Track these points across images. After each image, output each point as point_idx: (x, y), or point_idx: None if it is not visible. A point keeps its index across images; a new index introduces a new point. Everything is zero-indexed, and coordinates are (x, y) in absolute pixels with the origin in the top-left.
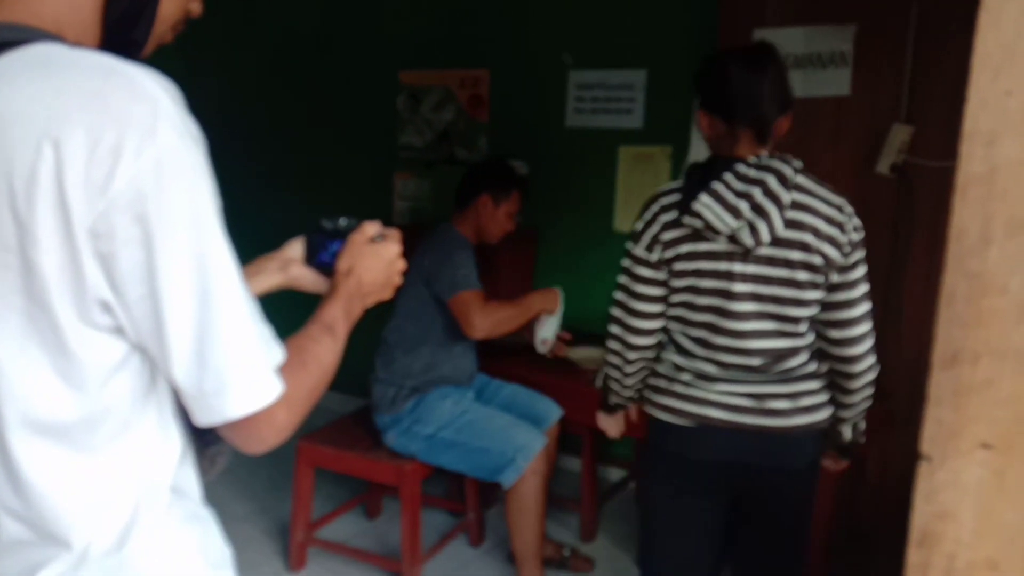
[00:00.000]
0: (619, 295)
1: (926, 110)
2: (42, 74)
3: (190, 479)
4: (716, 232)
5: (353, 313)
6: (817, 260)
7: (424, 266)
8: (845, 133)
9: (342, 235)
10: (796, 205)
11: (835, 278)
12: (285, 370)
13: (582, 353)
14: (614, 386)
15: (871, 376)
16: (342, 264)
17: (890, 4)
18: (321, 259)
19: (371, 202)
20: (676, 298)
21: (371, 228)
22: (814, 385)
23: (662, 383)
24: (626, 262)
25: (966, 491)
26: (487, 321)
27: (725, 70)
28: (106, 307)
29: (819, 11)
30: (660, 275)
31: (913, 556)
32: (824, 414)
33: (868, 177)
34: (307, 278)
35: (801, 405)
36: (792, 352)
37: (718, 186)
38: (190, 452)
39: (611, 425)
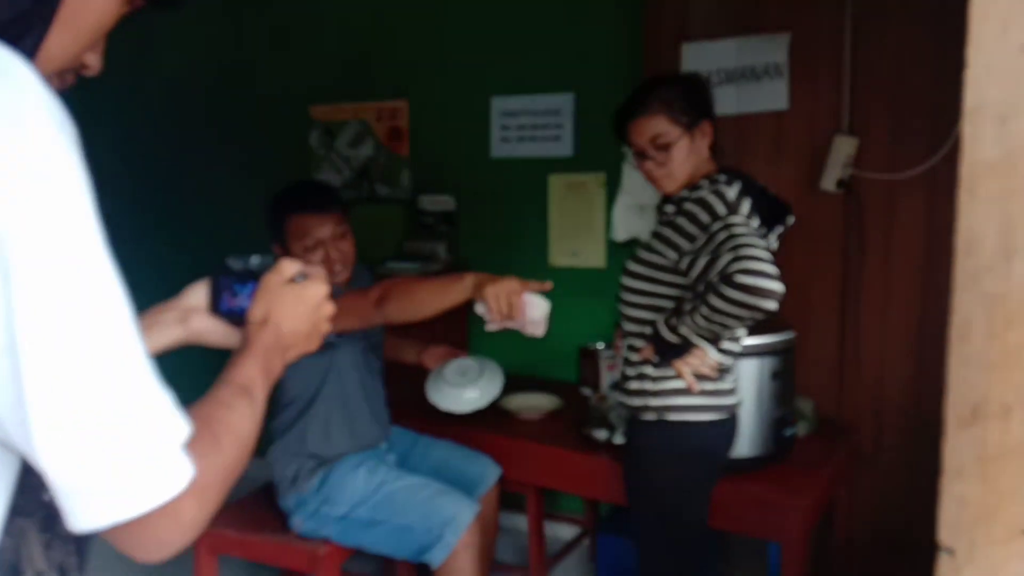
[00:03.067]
0: (756, 247)
1: (870, 119)
2: None
3: None
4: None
5: (273, 370)
6: None
7: None
8: (786, 149)
9: (254, 276)
10: None
11: None
12: (192, 448)
13: (521, 402)
14: (708, 330)
15: None
16: (255, 311)
17: (822, 8)
18: (229, 306)
19: None
20: None
21: (289, 267)
22: None
23: (707, 385)
24: (743, 227)
25: None
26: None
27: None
28: None
29: (748, 21)
30: None
31: None
32: None
33: (813, 194)
34: (213, 330)
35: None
36: None
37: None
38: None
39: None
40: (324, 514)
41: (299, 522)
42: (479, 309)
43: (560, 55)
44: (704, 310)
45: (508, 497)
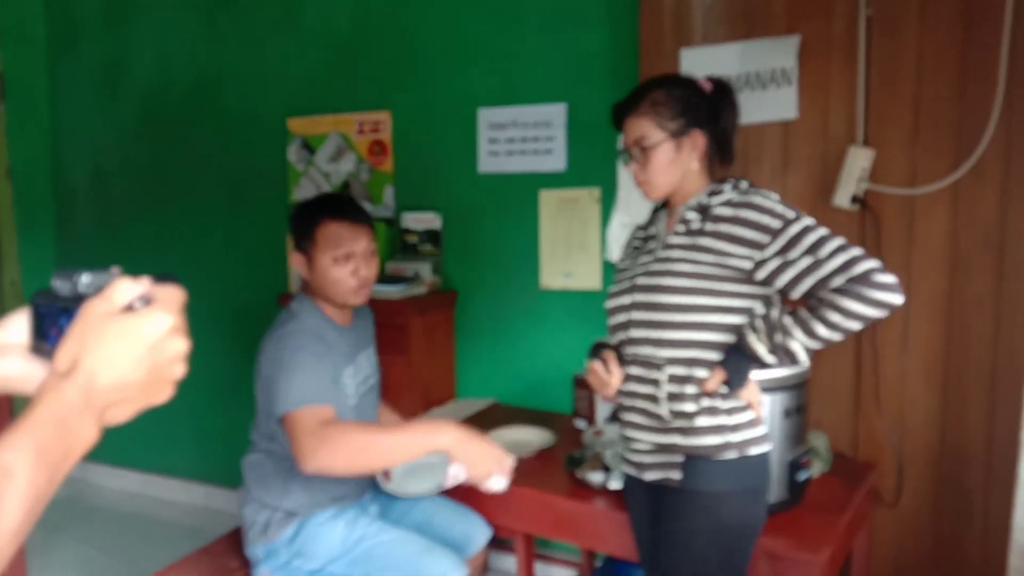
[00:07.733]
0: (856, 247)
1: (887, 129)
2: None
3: None
4: None
5: (71, 444)
6: None
7: (260, 366)
8: (795, 161)
9: (79, 302)
10: None
11: None
12: None
13: (510, 437)
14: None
15: None
16: (61, 356)
17: (835, 7)
18: (51, 342)
19: (264, 269)
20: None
21: (126, 288)
22: None
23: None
24: (825, 228)
25: None
26: (325, 451)
27: (735, 105)
28: None
29: (753, 23)
30: None
31: None
32: None
33: (825, 211)
34: (32, 376)
35: None
36: None
37: None
38: None
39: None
40: (295, 568)
41: (266, 574)
42: (452, 469)
43: (551, 62)
44: (834, 316)
45: (497, 539)
